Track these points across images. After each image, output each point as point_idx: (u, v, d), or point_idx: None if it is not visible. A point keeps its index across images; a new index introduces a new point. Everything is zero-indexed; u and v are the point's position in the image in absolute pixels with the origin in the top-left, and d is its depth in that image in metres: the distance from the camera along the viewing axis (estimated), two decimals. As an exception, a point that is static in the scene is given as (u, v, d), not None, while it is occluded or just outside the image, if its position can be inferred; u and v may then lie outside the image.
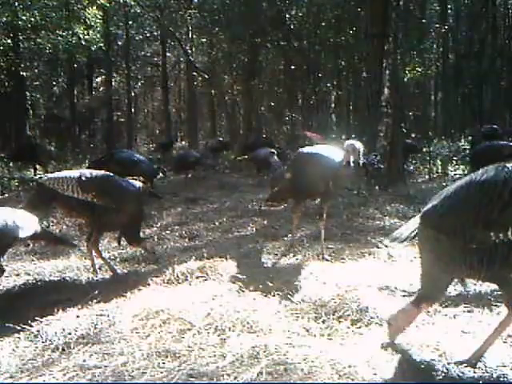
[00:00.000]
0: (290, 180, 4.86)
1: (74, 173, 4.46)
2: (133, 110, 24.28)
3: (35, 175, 10.61)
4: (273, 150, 9.69)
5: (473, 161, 8.82)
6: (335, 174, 4.44)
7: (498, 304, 3.25)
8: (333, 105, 20.53)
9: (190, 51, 18.06)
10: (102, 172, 4.60)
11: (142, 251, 4.73)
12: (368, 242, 5.07)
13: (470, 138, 13.01)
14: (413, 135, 13.11)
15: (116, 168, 7.29)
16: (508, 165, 2.43)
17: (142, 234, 4.84)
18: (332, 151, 4.54)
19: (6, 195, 8.79)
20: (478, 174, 2.48)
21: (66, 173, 4.55)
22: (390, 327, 2.78)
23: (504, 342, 2.76)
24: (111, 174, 4.61)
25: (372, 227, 5.60)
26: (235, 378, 2.42)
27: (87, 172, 4.46)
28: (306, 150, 4.95)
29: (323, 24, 15.21)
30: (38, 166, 11.30)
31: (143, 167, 8.15)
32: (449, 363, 2.53)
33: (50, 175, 4.49)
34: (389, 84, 8.73)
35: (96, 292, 3.63)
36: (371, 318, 3.08)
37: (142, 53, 24.13)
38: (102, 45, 17.31)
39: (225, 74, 20.44)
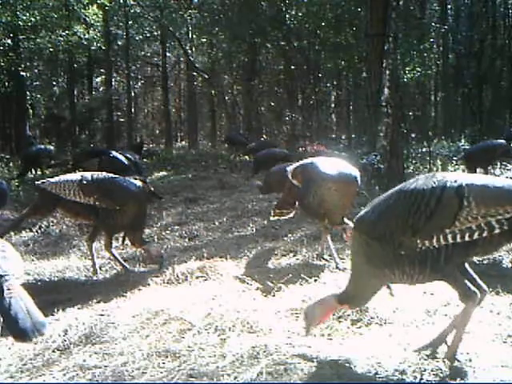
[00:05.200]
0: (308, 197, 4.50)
1: (76, 176, 4.43)
2: (133, 110, 24.26)
3: (34, 176, 10.62)
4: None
5: (467, 160, 8.82)
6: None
7: (498, 304, 3.26)
8: (333, 105, 20.56)
9: (189, 51, 18.07)
10: (104, 174, 4.56)
11: (144, 253, 4.71)
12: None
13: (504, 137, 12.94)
14: (413, 135, 13.08)
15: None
16: (437, 174, 2.49)
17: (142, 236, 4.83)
18: (349, 168, 4.45)
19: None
20: (409, 182, 2.53)
21: (67, 176, 4.51)
22: (306, 319, 2.79)
23: (504, 342, 2.76)
24: (113, 176, 4.56)
25: (372, 227, 5.59)
26: (235, 378, 2.43)
27: (88, 175, 4.42)
28: (332, 171, 4.37)
29: (323, 24, 15.17)
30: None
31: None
32: (449, 363, 2.53)
33: (51, 180, 4.45)
34: (389, 84, 8.71)
35: (96, 292, 3.63)
36: (371, 318, 3.08)
37: (142, 53, 24.09)
38: (101, 44, 17.30)
39: (225, 74, 20.44)
